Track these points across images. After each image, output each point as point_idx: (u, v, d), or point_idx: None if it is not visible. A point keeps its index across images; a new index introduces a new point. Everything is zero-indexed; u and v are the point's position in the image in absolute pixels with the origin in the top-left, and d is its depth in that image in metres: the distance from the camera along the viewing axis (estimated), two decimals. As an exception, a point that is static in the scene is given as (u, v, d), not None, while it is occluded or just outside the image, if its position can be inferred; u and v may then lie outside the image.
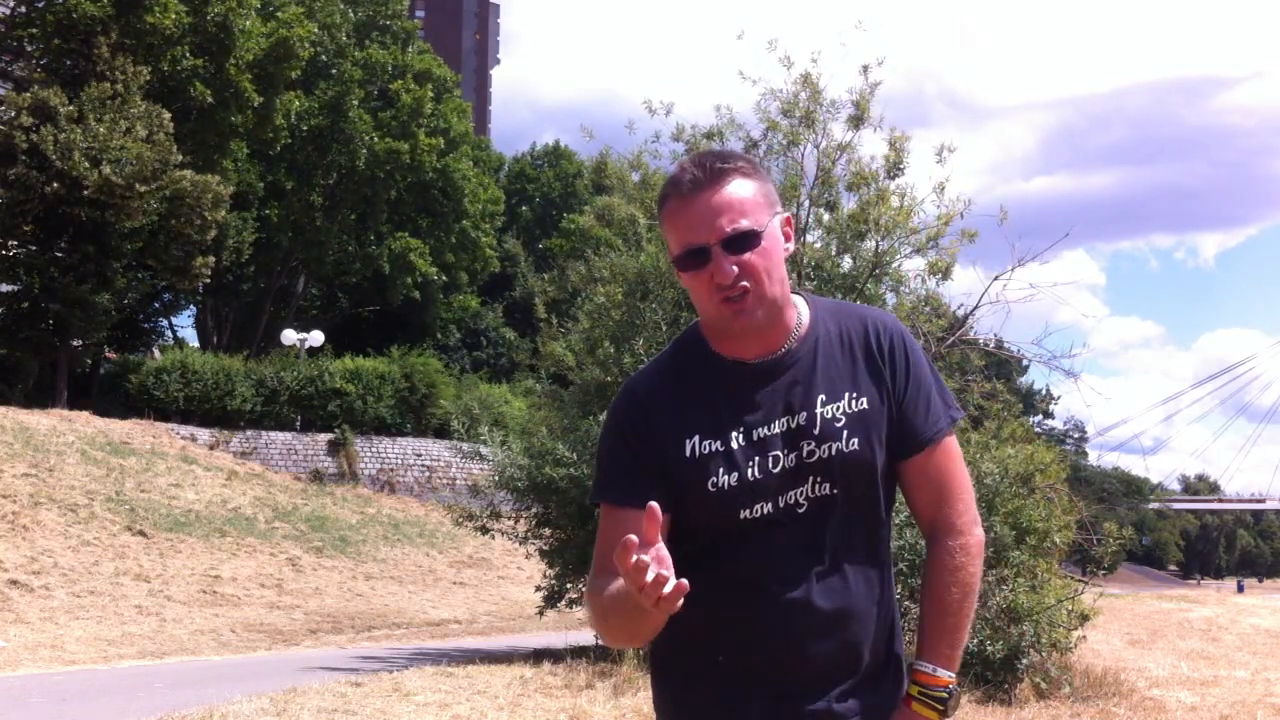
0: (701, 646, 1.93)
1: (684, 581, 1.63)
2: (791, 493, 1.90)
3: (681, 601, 1.70)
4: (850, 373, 1.95)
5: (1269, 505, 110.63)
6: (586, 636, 11.91)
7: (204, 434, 28.28)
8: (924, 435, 1.96)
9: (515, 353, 42.08)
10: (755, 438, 1.91)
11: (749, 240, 1.88)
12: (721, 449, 1.90)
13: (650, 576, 1.60)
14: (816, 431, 1.90)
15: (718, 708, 1.92)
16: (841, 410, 1.92)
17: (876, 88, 11.24)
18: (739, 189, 1.90)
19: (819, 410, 1.92)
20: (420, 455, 31.82)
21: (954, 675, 1.92)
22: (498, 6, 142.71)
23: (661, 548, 1.67)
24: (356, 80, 39.03)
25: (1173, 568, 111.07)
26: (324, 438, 30.24)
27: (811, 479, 1.90)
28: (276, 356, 33.85)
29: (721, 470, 1.89)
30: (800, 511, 1.90)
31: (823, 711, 1.89)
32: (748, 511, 1.89)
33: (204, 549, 20.53)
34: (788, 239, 1.96)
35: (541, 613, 13.12)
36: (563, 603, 12.68)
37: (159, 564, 19.06)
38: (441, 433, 30.77)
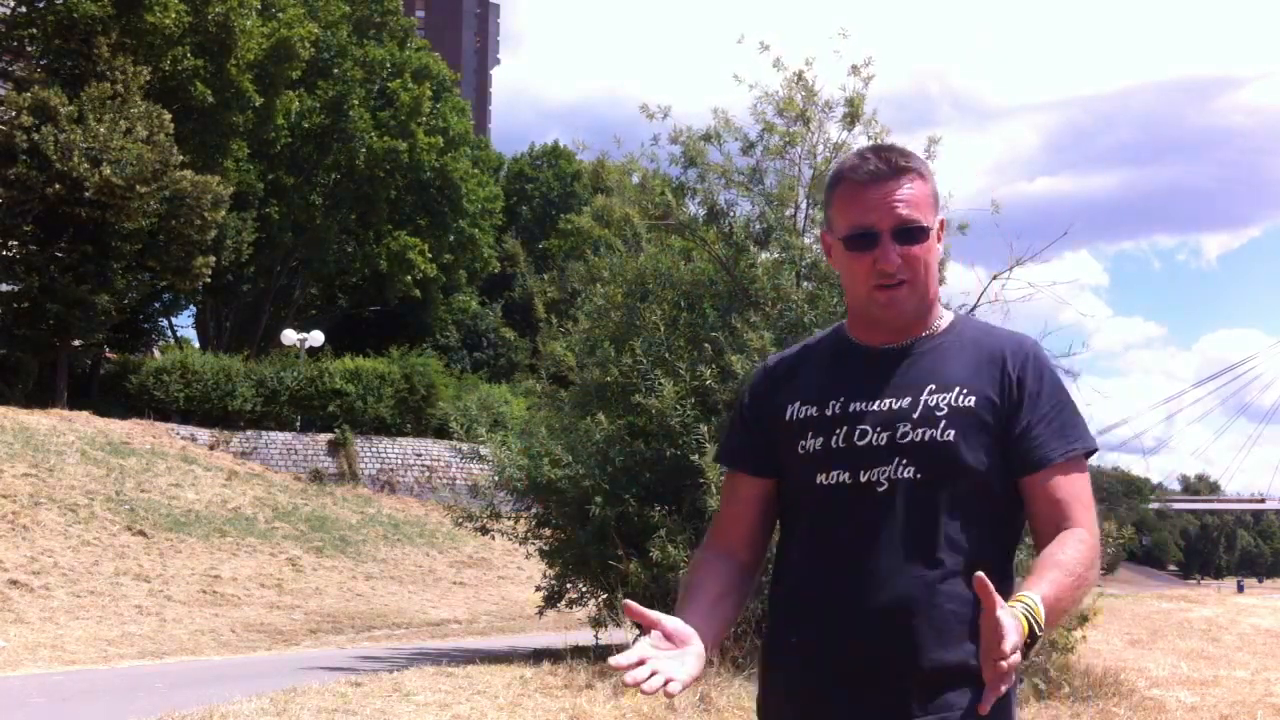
0: (784, 622, 1.96)
1: (671, 685, 1.69)
2: (875, 470, 1.88)
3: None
4: (967, 373, 1.93)
5: (1269, 505, 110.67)
6: (586, 636, 11.89)
7: (204, 434, 28.26)
8: (1055, 452, 1.90)
9: (515, 353, 42.22)
10: (851, 410, 1.93)
11: (918, 235, 1.93)
12: (816, 415, 1.96)
13: (638, 678, 1.69)
14: (916, 416, 1.89)
15: (783, 688, 1.94)
16: (947, 402, 1.90)
17: (870, 81, 11.26)
18: (916, 186, 1.95)
19: (924, 397, 1.91)
20: (420, 455, 31.81)
21: (1040, 605, 1.70)
22: (498, 7, 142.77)
23: (655, 636, 1.76)
24: (358, 80, 39.03)
25: (1173, 568, 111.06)
26: (324, 438, 30.23)
27: (897, 460, 1.87)
28: (276, 356, 33.85)
29: (811, 434, 1.94)
30: (880, 491, 1.87)
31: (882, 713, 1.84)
32: (824, 476, 1.91)
33: (204, 549, 20.53)
34: (939, 240, 2.01)
35: (541, 613, 13.11)
36: (563, 603, 12.67)
37: (159, 564, 19.06)
38: (441, 433, 30.72)
